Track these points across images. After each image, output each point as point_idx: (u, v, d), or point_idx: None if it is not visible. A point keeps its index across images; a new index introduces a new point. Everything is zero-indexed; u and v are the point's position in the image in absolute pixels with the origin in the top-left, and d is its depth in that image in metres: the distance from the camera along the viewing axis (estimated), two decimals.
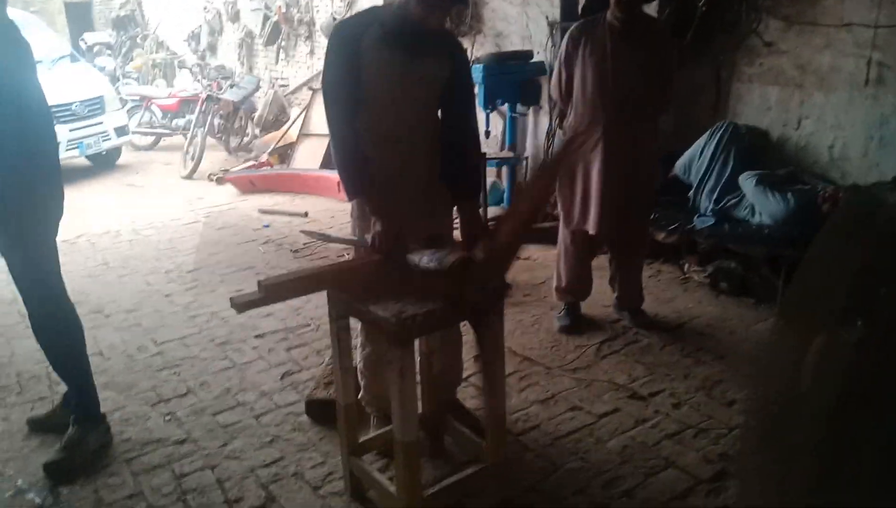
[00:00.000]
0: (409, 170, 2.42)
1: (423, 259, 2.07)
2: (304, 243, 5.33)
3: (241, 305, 2.00)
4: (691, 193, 4.29)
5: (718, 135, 4.18)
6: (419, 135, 2.42)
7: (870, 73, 3.77)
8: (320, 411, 2.91)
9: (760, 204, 3.88)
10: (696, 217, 4.13)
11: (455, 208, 2.49)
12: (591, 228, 3.42)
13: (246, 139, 8.96)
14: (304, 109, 8.00)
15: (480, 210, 3.59)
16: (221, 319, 4.00)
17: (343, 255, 5.03)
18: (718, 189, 4.11)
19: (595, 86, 3.29)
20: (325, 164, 7.35)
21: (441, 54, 2.36)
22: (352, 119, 2.30)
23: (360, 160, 2.29)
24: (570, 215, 3.54)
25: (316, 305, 4.08)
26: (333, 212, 6.20)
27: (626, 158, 3.33)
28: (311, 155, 7.57)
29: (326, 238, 2.42)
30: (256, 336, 3.76)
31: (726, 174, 4.11)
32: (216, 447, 2.79)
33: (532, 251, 4.83)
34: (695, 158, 4.27)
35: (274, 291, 2.04)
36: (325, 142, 7.53)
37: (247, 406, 3.08)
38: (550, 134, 5.24)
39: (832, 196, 3.66)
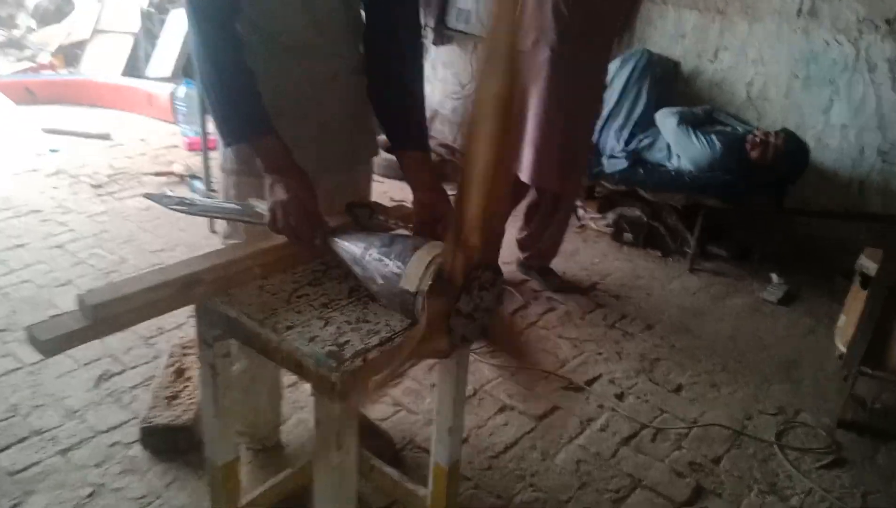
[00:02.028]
0: (323, 97, 1.56)
1: (372, 255, 1.26)
2: (110, 176, 4.13)
3: (50, 347, 1.09)
4: (595, 129, 3.72)
5: (631, 65, 3.62)
6: (337, 39, 1.55)
7: (803, 2, 3.37)
8: (163, 441, 2.03)
9: (681, 147, 3.41)
10: (604, 159, 3.59)
11: (389, 162, 1.68)
12: (543, 182, 2.77)
13: (17, 32, 7.07)
14: None
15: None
16: None
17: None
18: (629, 128, 3.58)
19: None
20: (130, 69, 5.94)
21: None
22: (229, 18, 1.38)
23: (246, 82, 1.38)
24: None
25: (135, 267, 3.06)
26: (144, 134, 4.95)
27: (579, 90, 2.66)
28: (108, 57, 6.08)
29: (189, 206, 1.48)
30: (54, 317, 2.68)
31: (638, 111, 3.59)
32: None
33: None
34: None
35: (112, 316, 1.14)
36: (127, 41, 6.08)
37: (46, 435, 2.09)
38: None
39: (763, 141, 3.26)
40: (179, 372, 2.23)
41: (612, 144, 3.62)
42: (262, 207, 1.44)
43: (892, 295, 2.25)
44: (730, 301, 3.29)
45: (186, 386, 2.19)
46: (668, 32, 3.82)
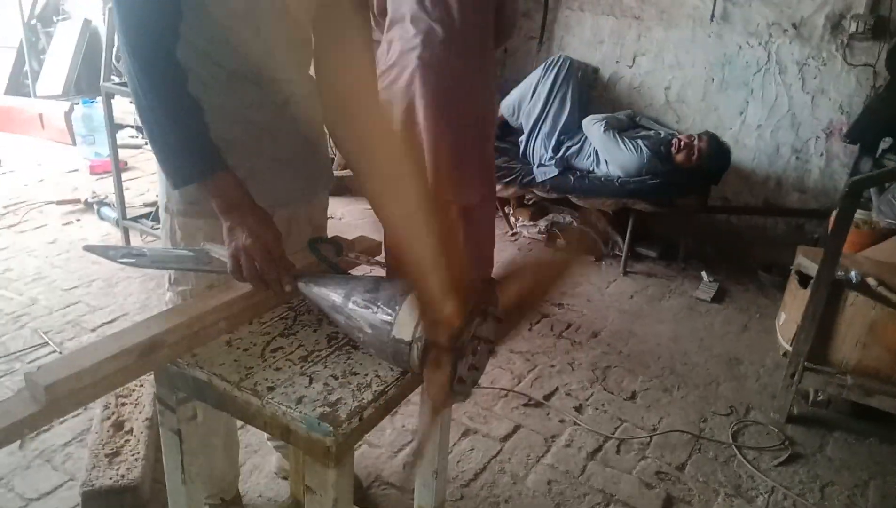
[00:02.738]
0: (275, 125, 1.43)
1: (357, 302, 1.15)
2: (7, 207, 3.78)
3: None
4: (523, 138, 3.71)
5: (554, 71, 3.62)
6: (288, 63, 1.43)
7: (715, 8, 3.47)
8: (108, 504, 1.84)
9: (609, 153, 3.44)
10: (535, 167, 3.57)
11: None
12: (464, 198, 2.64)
13: None
14: None
15: None
16: None
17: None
18: (556, 135, 3.58)
19: None
20: (14, 87, 5.50)
21: None
22: (168, 46, 1.23)
23: (192, 115, 1.24)
24: None
25: (48, 307, 2.81)
26: (39, 158, 4.58)
27: (457, 96, 2.53)
28: None
29: (139, 257, 1.30)
30: None
31: (564, 117, 3.59)
32: None
33: (338, 207, 3.93)
34: (525, 98, 3.68)
35: (66, 395, 0.99)
36: (8, 57, 5.61)
37: None
38: None
39: (687, 145, 3.33)
40: (118, 425, 2.04)
41: (541, 151, 3.61)
42: (219, 251, 1.30)
43: (831, 294, 2.33)
44: (666, 303, 3.34)
45: (127, 440, 2.00)
46: (587, 39, 3.86)
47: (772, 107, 3.52)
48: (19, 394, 1.00)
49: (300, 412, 1.06)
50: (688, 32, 3.60)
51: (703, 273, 3.55)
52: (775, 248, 3.65)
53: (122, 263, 1.25)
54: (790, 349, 2.48)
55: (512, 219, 3.90)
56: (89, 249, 1.27)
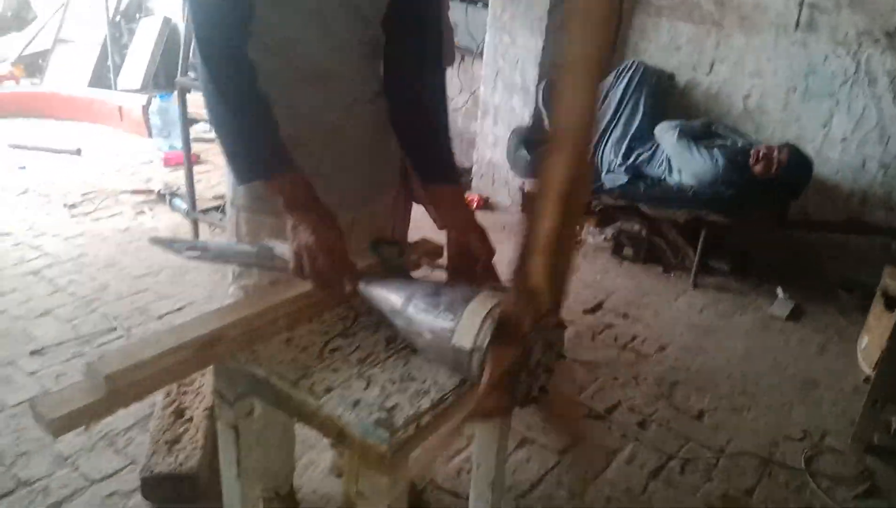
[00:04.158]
0: (342, 124, 1.41)
1: (417, 306, 1.12)
2: (84, 195, 3.92)
3: (60, 427, 0.94)
4: (592, 144, 3.62)
5: (627, 77, 3.52)
6: (356, 62, 1.41)
7: (801, 15, 3.30)
8: (167, 490, 1.87)
9: (682, 161, 3.32)
10: (604, 174, 3.48)
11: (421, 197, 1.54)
12: None
13: None
14: (61, 6, 6.12)
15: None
16: None
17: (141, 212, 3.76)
18: (627, 141, 3.49)
19: None
20: (97, 80, 5.71)
21: None
22: (240, 45, 1.23)
23: (262, 113, 1.23)
24: None
25: (118, 293, 2.89)
26: (116, 149, 4.74)
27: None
28: (73, 68, 5.83)
29: (203, 251, 1.31)
30: (33, 353, 2.49)
31: (635, 124, 3.50)
32: None
33: None
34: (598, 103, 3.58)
35: (127, 386, 0.99)
36: (93, 51, 5.83)
37: (36, 486, 1.91)
38: None
39: (766, 156, 3.18)
40: (178, 413, 2.06)
41: (611, 157, 3.52)
42: (281, 249, 1.29)
43: None
44: (738, 318, 3.20)
45: (187, 429, 2.02)
46: (663, 44, 3.73)
47: (859, 119, 3.33)
48: (80, 382, 1.00)
49: (356, 416, 1.03)
50: (770, 40, 3.44)
51: (779, 289, 3.38)
52: (857, 267, 3.45)
53: (186, 256, 1.25)
54: (873, 374, 2.33)
55: (581, 227, 3.81)
56: (155, 241, 1.28)
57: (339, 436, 1.07)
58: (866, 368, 2.42)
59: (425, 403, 1.07)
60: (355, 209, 1.49)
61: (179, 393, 2.16)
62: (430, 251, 1.52)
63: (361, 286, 1.22)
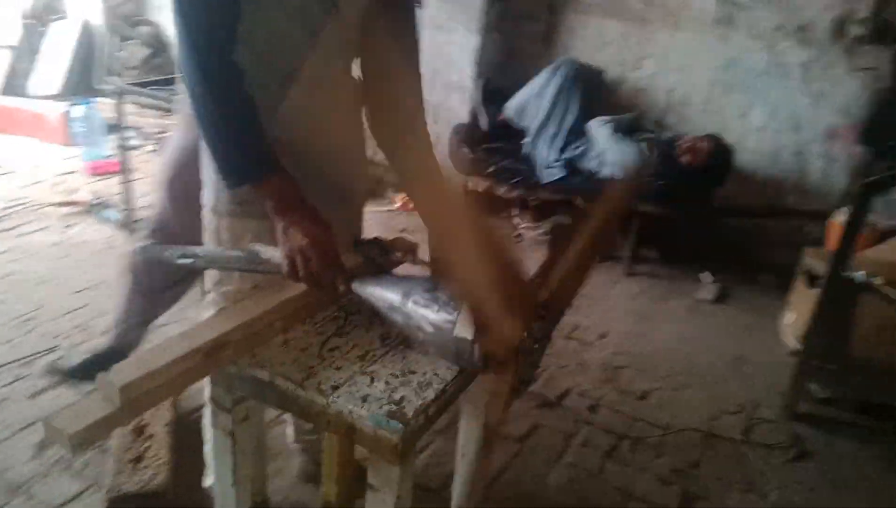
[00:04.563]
0: (326, 127, 1.45)
1: (417, 301, 1.17)
2: (6, 209, 3.74)
3: (80, 441, 0.94)
4: (528, 139, 3.75)
5: (561, 73, 3.65)
6: (337, 64, 1.45)
7: (720, 11, 3.52)
8: None
9: (615, 155, 3.48)
10: (543, 169, 3.61)
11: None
12: None
13: None
14: None
15: None
16: None
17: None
18: (562, 136, 3.62)
19: None
20: (10, 88, 5.43)
21: None
22: (228, 48, 1.25)
23: (251, 117, 1.25)
24: None
25: (55, 311, 2.79)
26: (38, 160, 4.52)
27: None
28: None
29: (195, 258, 1.31)
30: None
31: (570, 119, 3.64)
32: None
33: None
34: (531, 100, 3.71)
35: (141, 396, 1.00)
36: (4, 55, 5.54)
37: None
38: None
39: (692, 147, 3.39)
40: (139, 430, 2.03)
41: (546, 152, 3.65)
42: (269, 253, 1.32)
43: (840, 293, 2.39)
44: (671, 303, 3.39)
45: (149, 446, 1.99)
46: (592, 42, 3.90)
47: (773, 110, 3.58)
48: (93, 396, 1.00)
49: (367, 410, 1.08)
50: (692, 36, 3.65)
51: (705, 275, 3.60)
52: (775, 249, 3.71)
53: (180, 264, 1.26)
54: (799, 347, 2.53)
55: (516, 220, 3.93)
56: (145, 251, 1.28)
57: (348, 432, 1.11)
58: (793, 342, 2.63)
59: (430, 394, 1.13)
60: (334, 210, 1.53)
61: None
62: (409, 249, 1.58)
63: (356, 286, 1.26)
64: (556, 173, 3.55)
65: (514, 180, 3.60)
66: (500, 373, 1.14)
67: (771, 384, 2.74)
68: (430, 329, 1.16)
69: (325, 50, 1.38)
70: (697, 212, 3.63)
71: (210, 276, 1.52)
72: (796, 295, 2.73)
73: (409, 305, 1.18)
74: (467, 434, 1.50)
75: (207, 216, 1.47)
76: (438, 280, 1.21)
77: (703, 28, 3.63)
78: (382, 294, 1.22)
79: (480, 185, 3.67)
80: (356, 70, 1.51)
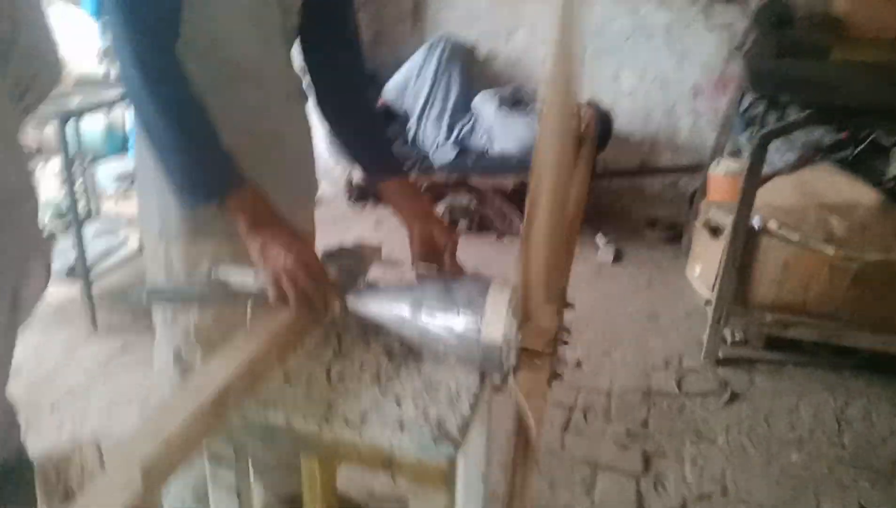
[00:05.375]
0: (279, 126, 1.29)
1: (433, 313, 1.06)
2: None
3: None
4: (412, 122, 3.66)
5: (437, 52, 3.59)
6: (283, 56, 1.30)
7: None
8: None
9: (504, 130, 3.47)
10: (432, 152, 3.54)
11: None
12: None
13: None
14: None
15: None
16: None
17: None
18: (447, 115, 3.57)
19: None
20: None
21: None
22: (172, 45, 1.06)
23: (208, 124, 1.07)
24: None
25: None
26: None
27: None
28: None
29: (161, 294, 1.09)
30: None
31: (453, 97, 3.59)
32: None
33: None
34: (411, 81, 3.62)
35: (163, 469, 0.83)
36: None
37: None
38: None
39: (576, 115, 3.44)
40: (67, 493, 1.77)
41: (434, 134, 3.58)
42: (239, 276, 1.15)
43: (747, 242, 2.52)
44: (575, 270, 3.43)
45: None
46: (462, 15, 3.87)
47: (643, 71, 3.73)
48: (109, 478, 0.81)
49: (408, 437, 0.96)
50: (558, 5, 3.70)
51: (598, 238, 3.71)
52: (654, 206, 3.89)
53: (154, 302, 1.07)
54: (713, 296, 2.66)
55: None
56: (117, 299, 1.07)
57: (384, 463, 1.00)
58: (705, 292, 2.75)
59: (465, 408, 1.04)
60: (290, 216, 1.38)
61: (55, 471, 1.85)
62: (373, 252, 1.46)
63: (350, 302, 1.13)
64: (449, 154, 3.49)
65: (406, 167, 3.49)
66: (533, 370, 1.07)
67: (687, 335, 2.87)
68: (453, 341, 1.06)
69: (270, 39, 1.22)
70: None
71: (160, 312, 1.31)
72: (700, 247, 2.86)
73: (423, 317, 1.07)
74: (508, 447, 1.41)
75: (152, 245, 1.26)
76: (449, 283, 1.11)
77: None
78: (389, 309, 1.10)
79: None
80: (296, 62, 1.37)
